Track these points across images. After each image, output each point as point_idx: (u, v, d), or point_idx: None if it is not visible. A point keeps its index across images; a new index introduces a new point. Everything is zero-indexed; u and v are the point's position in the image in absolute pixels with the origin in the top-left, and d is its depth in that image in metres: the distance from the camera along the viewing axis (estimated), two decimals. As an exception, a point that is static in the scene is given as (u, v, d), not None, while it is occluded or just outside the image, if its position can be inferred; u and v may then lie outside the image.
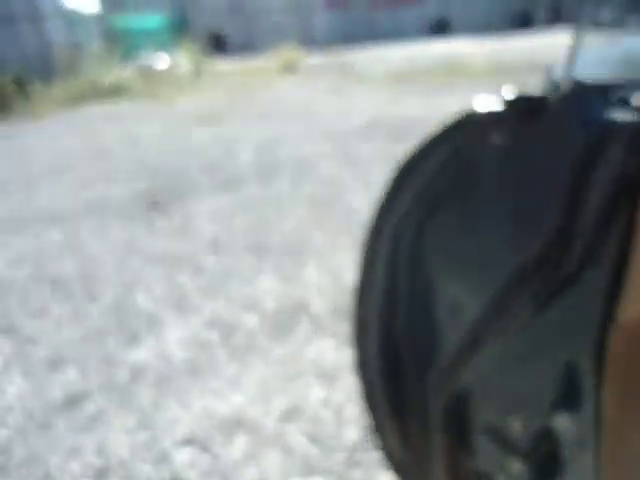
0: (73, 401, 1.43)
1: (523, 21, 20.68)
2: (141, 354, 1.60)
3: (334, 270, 2.06)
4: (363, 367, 0.42)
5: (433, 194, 0.33)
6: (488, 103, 0.23)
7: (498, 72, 8.44)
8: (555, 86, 2.18)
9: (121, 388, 1.46)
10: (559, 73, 2.10)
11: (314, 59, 13.15)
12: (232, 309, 1.81)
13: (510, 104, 0.24)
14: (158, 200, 3.11)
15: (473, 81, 7.55)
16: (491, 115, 0.27)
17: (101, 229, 2.74)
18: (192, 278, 2.08)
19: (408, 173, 0.34)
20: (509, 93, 0.23)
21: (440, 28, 20.81)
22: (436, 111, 5.35)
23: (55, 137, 5.68)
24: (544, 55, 10.34)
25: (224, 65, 13.12)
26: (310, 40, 18.90)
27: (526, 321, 0.29)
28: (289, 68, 11.45)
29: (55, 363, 1.60)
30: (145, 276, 2.13)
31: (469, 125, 0.29)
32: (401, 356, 0.38)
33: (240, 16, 19.58)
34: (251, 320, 1.73)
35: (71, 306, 1.94)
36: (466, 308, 0.32)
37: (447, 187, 0.31)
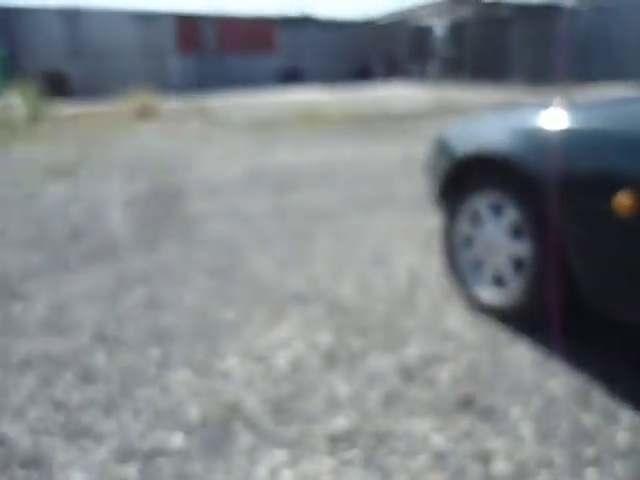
0: None
1: (364, 73, 22.89)
2: (27, 522, 1.17)
3: (258, 354, 1.82)
4: None
5: None
6: None
7: (353, 120, 9.04)
8: (452, 155, 2.29)
9: None
10: (460, 144, 2.21)
11: (172, 104, 12.71)
12: (145, 427, 1.46)
13: None
14: (10, 282, 2.52)
15: (334, 128, 7.95)
16: None
17: None
18: (80, 389, 1.65)
19: None
20: None
21: (291, 76, 21.94)
22: (310, 159, 5.45)
23: None
24: (388, 104, 11.44)
25: (69, 109, 11.95)
26: (164, 84, 18.34)
27: None
28: (146, 114, 10.85)
29: None
30: (10, 392, 1.64)
31: None
32: None
33: (83, 57, 18.23)
34: (175, 440, 1.41)
35: None
36: None
37: None
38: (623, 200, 1.41)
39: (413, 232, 3.09)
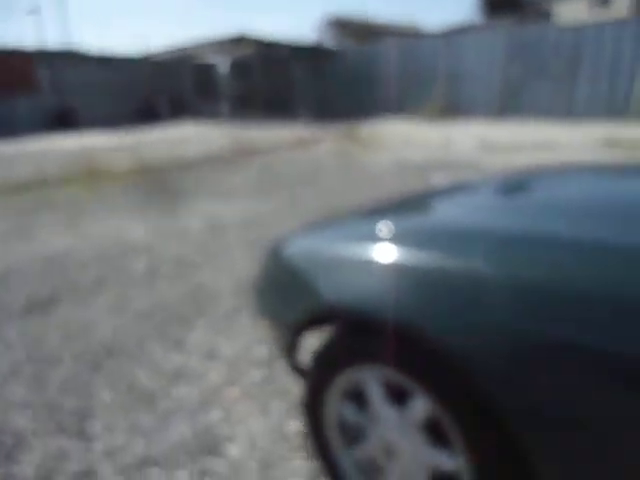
0: None
1: (148, 113, 21.16)
2: None
3: None
4: None
5: None
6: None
7: (143, 172, 7.78)
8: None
9: None
10: (319, 280, 1.40)
11: None
12: None
13: None
14: None
15: (120, 187, 6.57)
16: None
17: None
18: None
19: None
20: None
21: (64, 119, 19.03)
22: (85, 243, 4.09)
23: None
24: (181, 148, 10.40)
25: None
26: None
27: None
28: None
29: None
30: None
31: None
32: None
33: None
34: None
35: None
36: None
37: None
38: None
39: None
